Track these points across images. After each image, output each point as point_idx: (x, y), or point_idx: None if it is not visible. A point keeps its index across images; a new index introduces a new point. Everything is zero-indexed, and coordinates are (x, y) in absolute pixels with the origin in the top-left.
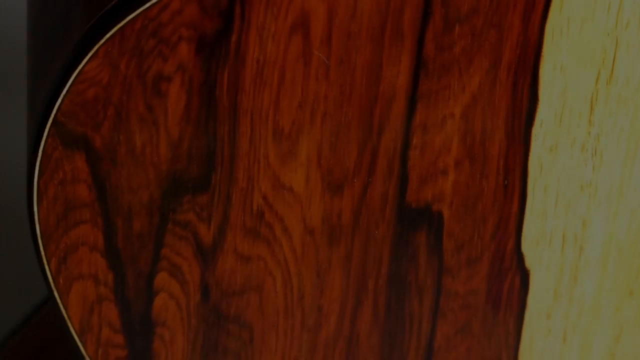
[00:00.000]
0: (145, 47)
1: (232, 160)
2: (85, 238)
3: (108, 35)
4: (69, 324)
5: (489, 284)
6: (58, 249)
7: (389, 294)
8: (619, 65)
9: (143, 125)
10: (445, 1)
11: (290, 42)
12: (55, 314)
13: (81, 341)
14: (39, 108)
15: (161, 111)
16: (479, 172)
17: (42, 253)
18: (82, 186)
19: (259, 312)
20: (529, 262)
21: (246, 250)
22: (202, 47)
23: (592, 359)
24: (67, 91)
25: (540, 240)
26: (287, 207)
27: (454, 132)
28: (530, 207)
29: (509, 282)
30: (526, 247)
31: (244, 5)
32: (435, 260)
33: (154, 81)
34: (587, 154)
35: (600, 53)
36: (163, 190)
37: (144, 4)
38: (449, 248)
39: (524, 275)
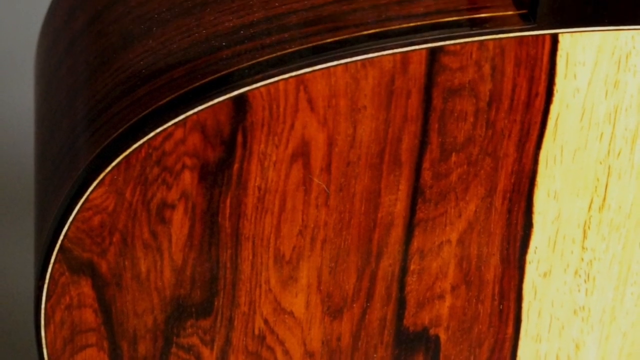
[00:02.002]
0: (150, 175)
1: (234, 285)
2: None
3: (114, 164)
4: None
5: None
6: None
7: None
8: (611, 192)
9: (148, 252)
10: (441, 130)
11: (291, 170)
12: None
13: None
14: (46, 234)
15: (165, 238)
16: (474, 297)
17: None
18: (88, 311)
19: None
20: None
21: None
22: (204, 175)
23: None
24: (74, 218)
25: None
26: (288, 330)
27: (451, 258)
28: (524, 331)
29: None
30: None
31: (246, 135)
32: None
33: (158, 209)
34: (580, 279)
35: (593, 180)
36: (167, 315)
37: (148, 133)
38: None
39: None
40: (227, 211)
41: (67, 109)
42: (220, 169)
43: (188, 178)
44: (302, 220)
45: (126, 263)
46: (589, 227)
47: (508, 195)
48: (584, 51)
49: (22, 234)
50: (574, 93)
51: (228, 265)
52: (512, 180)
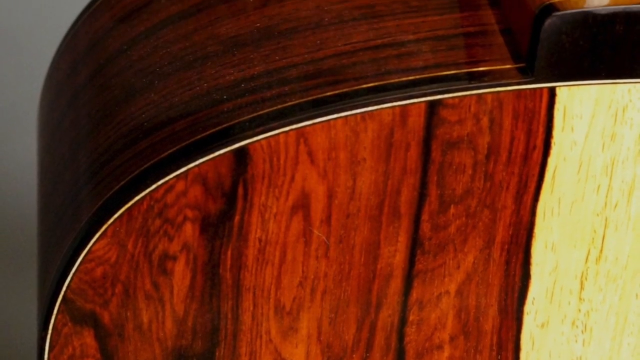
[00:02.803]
0: (152, 227)
1: (235, 336)
2: None
3: (116, 216)
4: None
5: None
6: None
7: None
8: (608, 244)
9: (149, 302)
10: (440, 182)
11: (291, 222)
12: None
13: None
14: (48, 285)
15: (167, 289)
16: (473, 347)
17: None
18: None
19: None
20: None
21: None
22: (206, 227)
23: None
24: (76, 269)
25: None
26: None
27: (449, 309)
28: None
29: None
30: None
31: (247, 187)
32: None
33: (160, 260)
34: (578, 330)
35: (590, 232)
36: None
37: (150, 185)
38: None
39: None
40: (228, 262)
41: (69, 161)
42: (221, 221)
43: (189, 230)
44: (303, 271)
45: (128, 314)
46: (586, 279)
47: (506, 246)
48: (581, 104)
49: (25, 285)
50: (571, 146)
51: (229, 316)
52: (510, 232)
